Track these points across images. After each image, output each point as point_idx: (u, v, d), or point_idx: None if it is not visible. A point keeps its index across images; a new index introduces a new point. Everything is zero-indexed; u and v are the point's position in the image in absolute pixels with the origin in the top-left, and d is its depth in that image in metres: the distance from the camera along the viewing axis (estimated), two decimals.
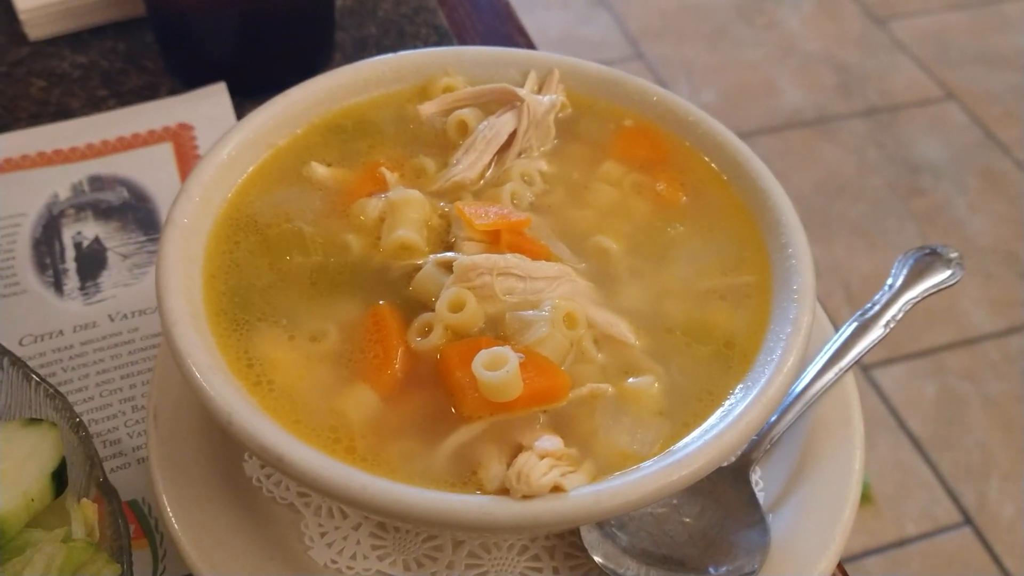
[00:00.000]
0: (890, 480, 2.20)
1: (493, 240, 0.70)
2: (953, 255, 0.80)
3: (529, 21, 1.31)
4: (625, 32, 3.37)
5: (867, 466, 0.75)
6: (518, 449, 0.60)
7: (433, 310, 0.66)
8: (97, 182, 0.99)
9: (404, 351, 0.65)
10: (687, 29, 3.40)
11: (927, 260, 0.81)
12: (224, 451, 0.73)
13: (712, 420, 0.62)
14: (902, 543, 2.10)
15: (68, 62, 1.14)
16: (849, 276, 2.59)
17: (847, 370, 0.75)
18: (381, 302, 0.68)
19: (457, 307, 0.65)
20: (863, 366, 2.36)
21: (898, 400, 2.34)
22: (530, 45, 1.22)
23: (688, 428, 0.62)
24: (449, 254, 0.69)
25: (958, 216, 2.78)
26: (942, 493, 2.18)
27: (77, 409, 0.79)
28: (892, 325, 0.76)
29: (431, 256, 0.69)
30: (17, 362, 0.71)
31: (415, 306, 0.67)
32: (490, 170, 0.78)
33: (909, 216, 2.78)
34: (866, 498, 2.14)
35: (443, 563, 0.70)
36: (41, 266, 0.91)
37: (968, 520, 2.14)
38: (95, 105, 1.09)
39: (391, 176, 0.76)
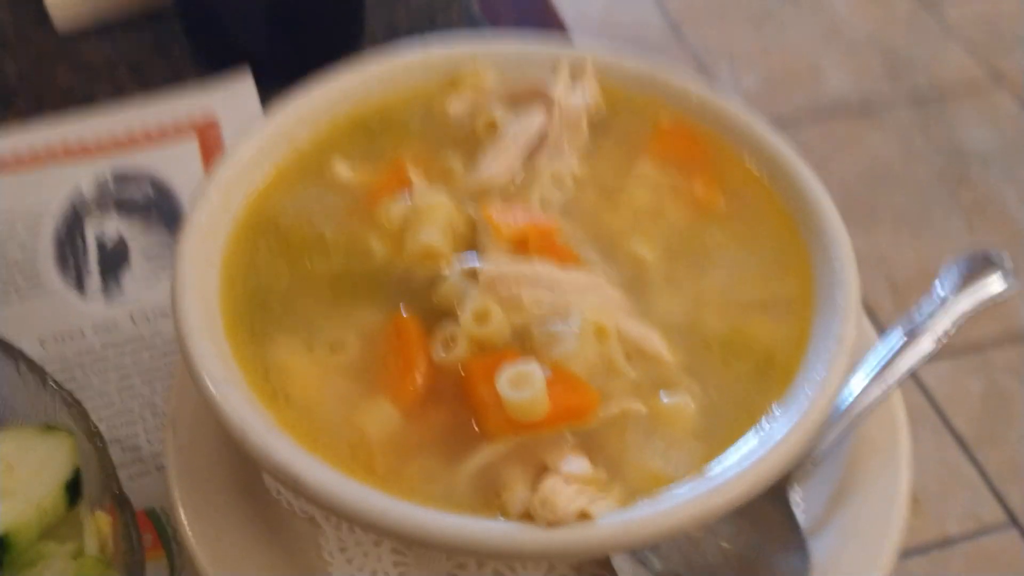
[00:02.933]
0: (933, 479, 2.14)
1: (521, 246, 0.67)
2: (1008, 264, 0.75)
3: (566, 4, 1.27)
4: (665, 15, 3.30)
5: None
6: (543, 470, 0.57)
7: (457, 319, 0.63)
8: (121, 177, 0.97)
9: (426, 364, 0.62)
10: (730, 12, 3.32)
11: (978, 266, 0.77)
12: (243, 461, 0.71)
13: (752, 443, 0.58)
14: (944, 544, 2.05)
15: (95, 53, 1.12)
16: (893, 268, 2.52)
17: (894, 387, 0.71)
18: (403, 311, 0.65)
19: (483, 318, 0.62)
20: None
21: (942, 397, 2.28)
22: (566, 32, 1.18)
23: (725, 451, 0.59)
24: (475, 261, 0.66)
25: (1007, 208, 2.69)
26: (987, 493, 2.12)
27: (96, 414, 0.77)
28: (944, 341, 0.71)
29: (456, 263, 0.66)
30: (34, 367, 0.69)
31: (438, 315, 0.64)
32: (519, 171, 0.74)
33: (956, 207, 2.69)
34: None
35: None
36: (63, 265, 0.89)
37: (1014, 521, 2.08)
38: (121, 95, 1.07)
39: (416, 176, 0.73)
